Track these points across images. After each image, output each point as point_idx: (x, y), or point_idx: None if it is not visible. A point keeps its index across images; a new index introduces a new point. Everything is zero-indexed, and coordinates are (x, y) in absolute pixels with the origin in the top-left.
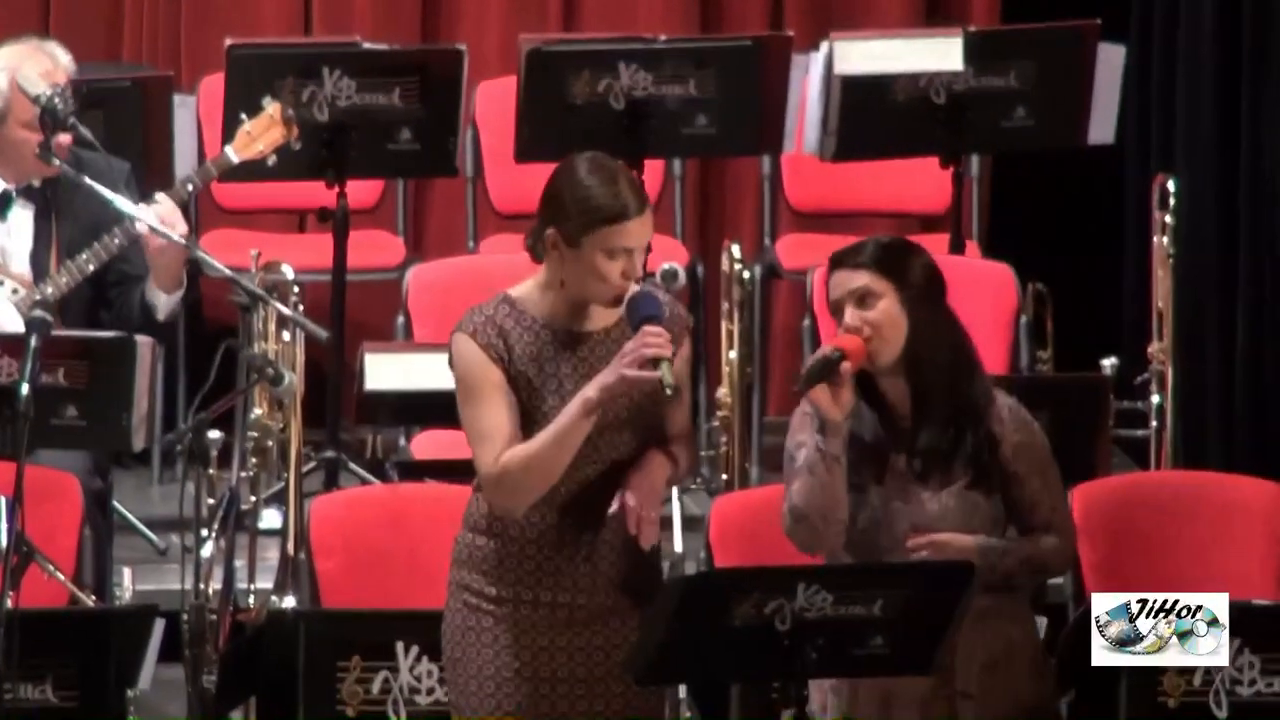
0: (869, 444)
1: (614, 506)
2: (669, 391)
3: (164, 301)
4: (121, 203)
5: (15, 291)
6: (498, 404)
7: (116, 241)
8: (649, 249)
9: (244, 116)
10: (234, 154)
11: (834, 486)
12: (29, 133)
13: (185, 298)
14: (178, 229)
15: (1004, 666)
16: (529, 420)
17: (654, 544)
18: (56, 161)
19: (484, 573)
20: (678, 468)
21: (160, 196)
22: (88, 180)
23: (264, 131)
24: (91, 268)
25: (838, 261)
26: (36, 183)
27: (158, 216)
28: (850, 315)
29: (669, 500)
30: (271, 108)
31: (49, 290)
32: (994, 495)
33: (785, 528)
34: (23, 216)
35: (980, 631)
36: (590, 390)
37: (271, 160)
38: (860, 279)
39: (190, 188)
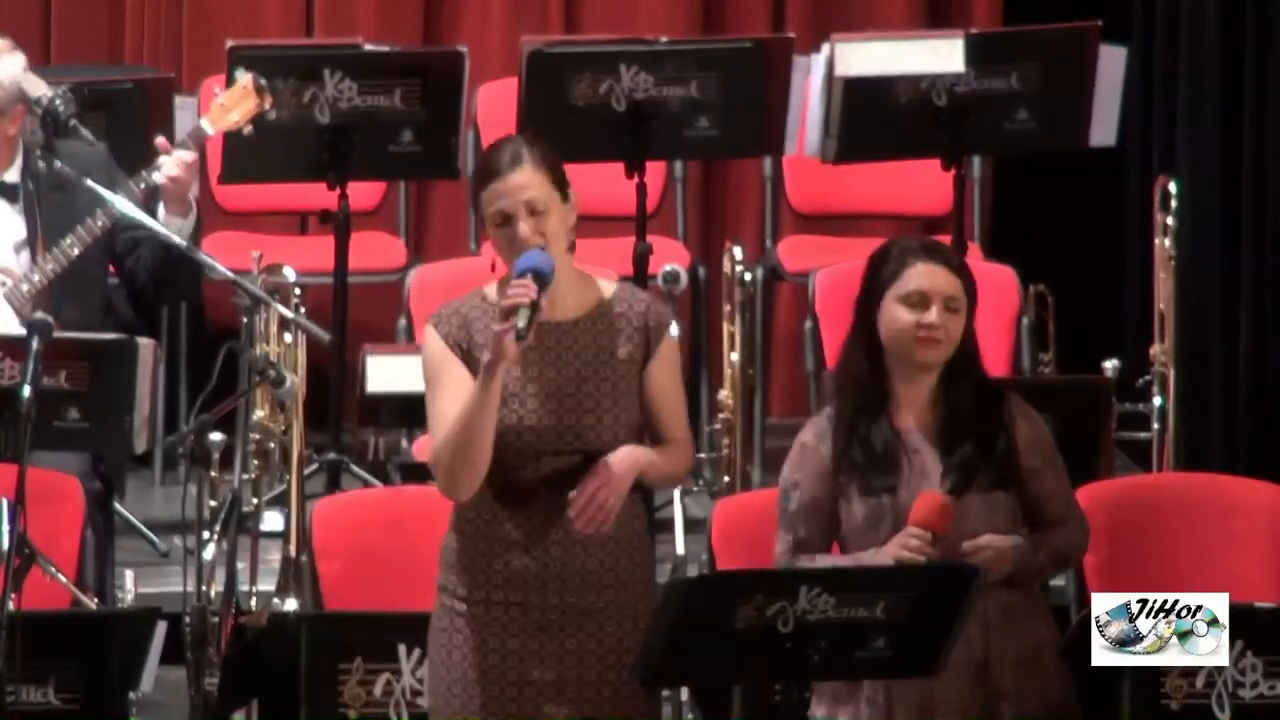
0: (879, 453)
1: (573, 493)
2: (519, 337)
3: (178, 226)
4: (102, 191)
5: (3, 283)
6: (450, 392)
7: (100, 224)
8: (567, 224)
9: (217, 90)
10: (209, 126)
11: None
12: None
13: (189, 300)
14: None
15: (1033, 663)
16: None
17: (606, 532)
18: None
19: (456, 573)
20: (671, 467)
21: (163, 160)
22: (88, 182)
23: (238, 102)
24: (76, 251)
25: (936, 254)
26: (14, 177)
27: (176, 164)
28: (939, 314)
29: (669, 503)
30: (244, 78)
31: (36, 278)
32: (1011, 491)
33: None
34: (4, 210)
35: (1011, 629)
36: (484, 355)
37: (248, 130)
38: (954, 285)
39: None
